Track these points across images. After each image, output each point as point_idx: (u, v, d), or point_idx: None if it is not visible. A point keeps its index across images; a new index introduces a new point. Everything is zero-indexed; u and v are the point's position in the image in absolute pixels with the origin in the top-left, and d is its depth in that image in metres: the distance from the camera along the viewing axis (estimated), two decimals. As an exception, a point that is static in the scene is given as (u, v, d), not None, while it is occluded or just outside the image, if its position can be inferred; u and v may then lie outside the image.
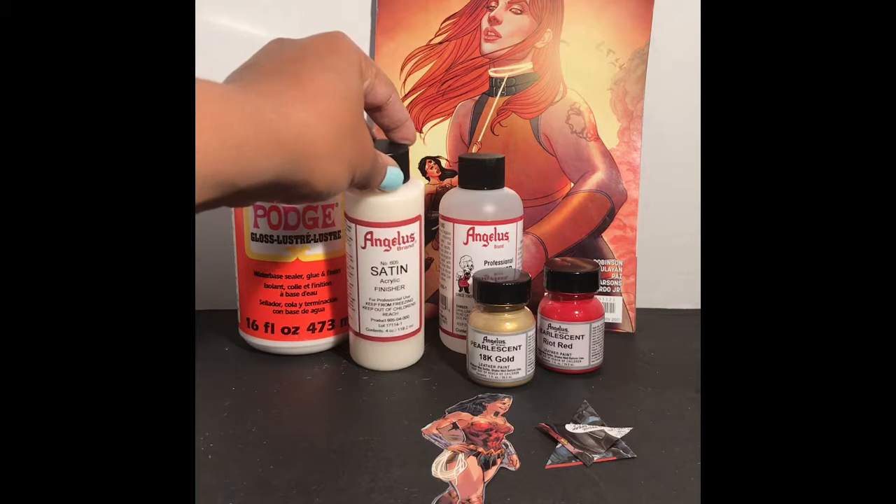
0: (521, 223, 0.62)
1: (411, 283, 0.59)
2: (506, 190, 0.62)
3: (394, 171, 0.52)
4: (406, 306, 0.59)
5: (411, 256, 0.59)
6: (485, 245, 0.61)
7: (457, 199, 0.62)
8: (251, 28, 0.69)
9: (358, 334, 0.60)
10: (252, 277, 0.62)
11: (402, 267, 0.58)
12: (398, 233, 0.57)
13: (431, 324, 0.68)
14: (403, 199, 0.57)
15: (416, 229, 0.59)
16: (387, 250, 0.57)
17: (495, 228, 0.61)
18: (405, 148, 0.56)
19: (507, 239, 0.61)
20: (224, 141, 0.35)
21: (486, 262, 0.61)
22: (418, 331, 0.61)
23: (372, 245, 0.57)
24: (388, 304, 0.59)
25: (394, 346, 0.60)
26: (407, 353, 0.61)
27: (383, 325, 0.59)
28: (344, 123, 0.42)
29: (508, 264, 0.62)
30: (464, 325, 0.61)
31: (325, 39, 0.45)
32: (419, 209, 0.59)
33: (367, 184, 0.50)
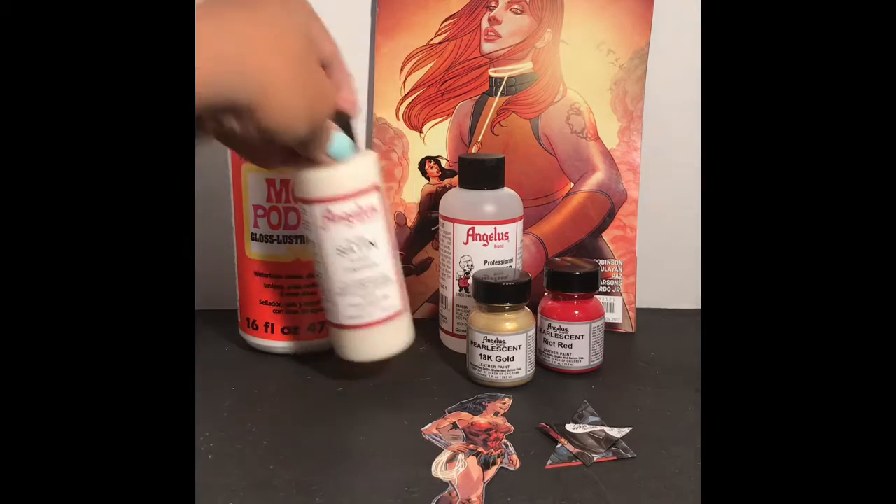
0: (520, 223, 0.62)
1: (383, 260, 0.54)
2: (506, 190, 0.62)
3: (339, 136, 0.50)
4: (383, 284, 0.54)
5: (377, 231, 0.54)
6: (485, 245, 0.61)
7: (457, 199, 0.62)
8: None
9: (340, 326, 0.56)
10: (252, 277, 0.62)
11: (370, 242, 0.53)
12: (357, 205, 0.52)
13: (432, 324, 0.68)
14: (355, 167, 0.52)
15: (375, 200, 0.53)
16: (349, 226, 0.53)
17: (495, 228, 0.61)
18: (346, 116, 0.52)
19: (507, 239, 0.61)
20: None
21: (486, 262, 0.61)
22: (401, 312, 0.56)
23: (332, 222, 0.52)
24: (363, 286, 0.54)
25: (379, 332, 0.55)
26: (394, 337, 0.56)
27: (363, 310, 0.54)
28: (301, 58, 0.42)
29: (508, 264, 0.61)
30: (464, 325, 0.61)
31: None
32: (375, 178, 0.54)
33: (314, 145, 0.48)
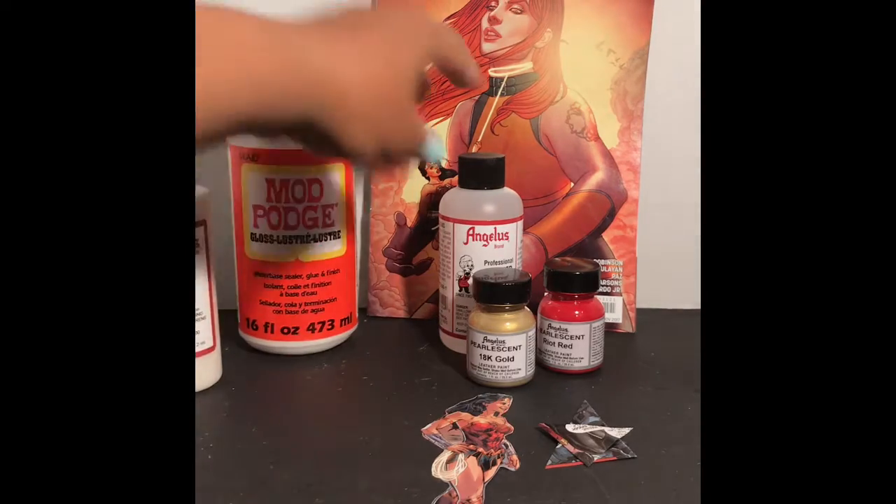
0: (520, 223, 0.62)
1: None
2: (506, 190, 0.62)
3: (435, 140, 0.49)
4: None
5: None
6: (485, 245, 0.61)
7: (457, 199, 0.62)
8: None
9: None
10: (252, 277, 0.62)
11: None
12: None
13: (432, 324, 0.68)
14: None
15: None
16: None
17: (495, 228, 0.61)
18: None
19: (507, 239, 0.61)
20: (247, 75, 0.35)
21: (486, 262, 0.61)
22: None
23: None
24: None
25: None
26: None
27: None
28: (388, 98, 0.42)
29: (509, 264, 0.61)
30: (464, 325, 0.61)
31: (405, 21, 0.45)
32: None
33: (402, 160, 0.48)
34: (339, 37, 0.40)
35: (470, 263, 0.61)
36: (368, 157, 0.43)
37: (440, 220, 0.63)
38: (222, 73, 0.34)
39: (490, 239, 0.61)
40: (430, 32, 0.45)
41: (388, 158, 0.45)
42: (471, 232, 0.61)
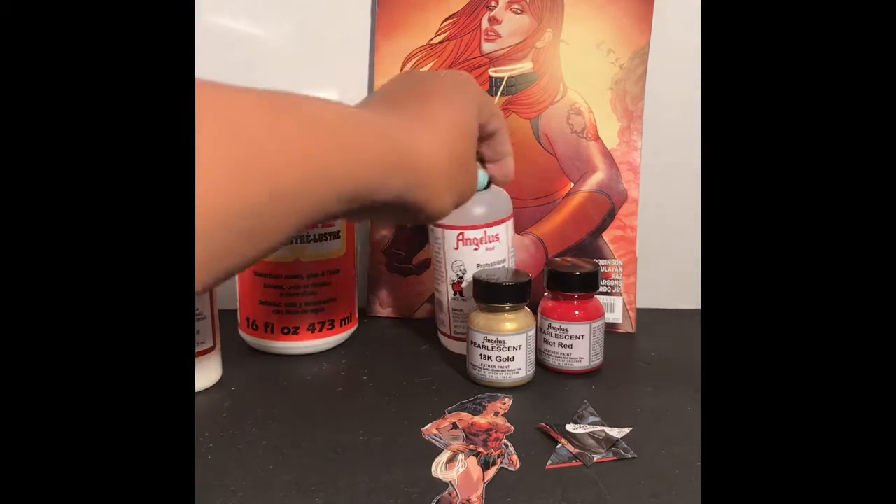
0: (510, 222, 0.62)
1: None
2: (493, 188, 0.62)
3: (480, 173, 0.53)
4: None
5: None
6: (476, 249, 0.60)
7: None
8: (251, 28, 0.69)
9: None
10: (252, 277, 0.62)
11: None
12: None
13: (431, 324, 0.68)
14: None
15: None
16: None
17: (485, 232, 0.60)
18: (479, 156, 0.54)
19: (497, 240, 0.60)
20: (362, 158, 0.36)
21: (478, 266, 0.60)
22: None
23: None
24: None
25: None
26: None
27: None
28: (460, 157, 0.44)
29: (501, 264, 0.61)
30: (461, 327, 0.61)
31: (452, 78, 0.47)
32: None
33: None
34: (408, 112, 0.42)
35: (462, 268, 0.61)
36: (447, 215, 0.45)
37: (429, 226, 0.63)
38: (330, 157, 0.34)
39: (480, 242, 0.60)
40: (478, 89, 0.48)
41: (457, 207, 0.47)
42: (461, 237, 0.60)
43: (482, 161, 0.53)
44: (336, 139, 0.35)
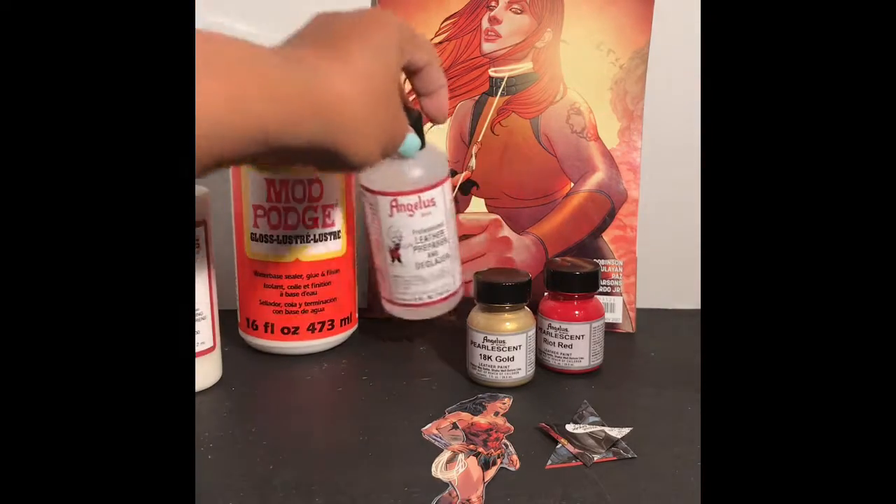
0: (447, 184, 0.56)
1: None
2: (428, 147, 0.55)
3: (410, 136, 0.51)
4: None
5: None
6: (410, 215, 0.55)
7: (378, 171, 0.54)
8: (250, 27, 0.69)
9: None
10: (252, 277, 0.62)
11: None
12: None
13: (431, 323, 0.67)
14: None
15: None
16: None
17: (419, 197, 0.55)
18: (416, 113, 0.52)
19: (433, 205, 0.55)
20: (270, 96, 0.35)
21: (414, 232, 0.55)
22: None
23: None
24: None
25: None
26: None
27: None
28: (380, 97, 0.42)
29: (440, 228, 0.56)
30: (403, 293, 0.57)
31: (372, 16, 0.45)
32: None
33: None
34: (324, 53, 0.40)
35: (399, 234, 0.56)
36: (374, 164, 0.44)
37: (363, 191, 0.57)
38: (248, 91, 0.34)
39: (415, 208, 0.55)
40: (400, 25, 0.46)
41: (386, 156, 0.46)
42: (394, 204, 0.55)
43: (416, 98, 0.51)
44: (241, 78, 0.34)
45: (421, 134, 0.53)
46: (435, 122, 0.54)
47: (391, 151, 0.46)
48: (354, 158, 0.42)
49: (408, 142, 0.51)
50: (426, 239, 0.55)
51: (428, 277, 0.56)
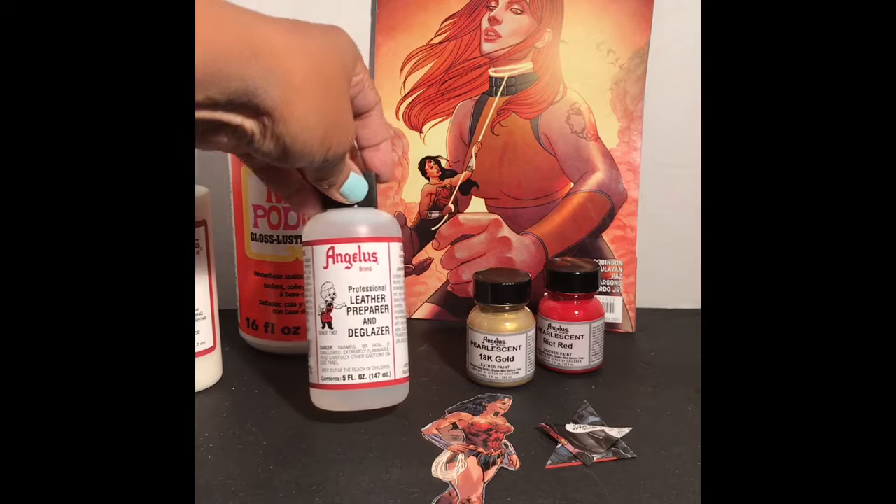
0: (396, 245, 0.51)
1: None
2: (379, 210, 0.52)
3: (356, 177, 0.48)
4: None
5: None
6: (347, 267, 0.49)
7: (317, 221, 0.50)
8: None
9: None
10: (252, 277, 0.62)
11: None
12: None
13: (431, 324, 0.68)
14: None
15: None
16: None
17: (359, 247, 0.49)
18: (373, 175, 0.50)
19: (375, 261, 0.49)
20: (201, 24, 0.34)
21: (350, 289, 0.49)
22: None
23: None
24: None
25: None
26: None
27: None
28: (329, 78, 0.41)
29: (380, 293, 0.50)
30: (331, 370, 0.50)
31: (331, 27, 0.44)
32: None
33: (329, 175, 0.46)
34: (283, 23, 0.39)
35: (332, 292, 0.49)
36: (314, 154, 0.41)
37: (303, 249, 0.51)
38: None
39: (353, 259, 0.49)
40: (358, 51, 0.45)
41: (326, 161, 0.43)
42: (330, 253, 0.49)
43: (360, 150, 0.48)
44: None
45: (373, 193, 0.50)
46: (381, 178, 0.50)
47: (333, 146, 0.42)
48: (293, 125, 0.39)
49: (352, 181, 0.48)
50: (362, 300, 0.49)
51: (361, 349, 0.49)
